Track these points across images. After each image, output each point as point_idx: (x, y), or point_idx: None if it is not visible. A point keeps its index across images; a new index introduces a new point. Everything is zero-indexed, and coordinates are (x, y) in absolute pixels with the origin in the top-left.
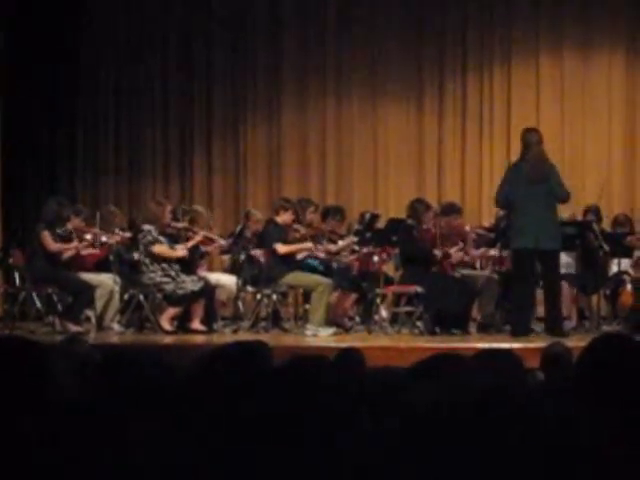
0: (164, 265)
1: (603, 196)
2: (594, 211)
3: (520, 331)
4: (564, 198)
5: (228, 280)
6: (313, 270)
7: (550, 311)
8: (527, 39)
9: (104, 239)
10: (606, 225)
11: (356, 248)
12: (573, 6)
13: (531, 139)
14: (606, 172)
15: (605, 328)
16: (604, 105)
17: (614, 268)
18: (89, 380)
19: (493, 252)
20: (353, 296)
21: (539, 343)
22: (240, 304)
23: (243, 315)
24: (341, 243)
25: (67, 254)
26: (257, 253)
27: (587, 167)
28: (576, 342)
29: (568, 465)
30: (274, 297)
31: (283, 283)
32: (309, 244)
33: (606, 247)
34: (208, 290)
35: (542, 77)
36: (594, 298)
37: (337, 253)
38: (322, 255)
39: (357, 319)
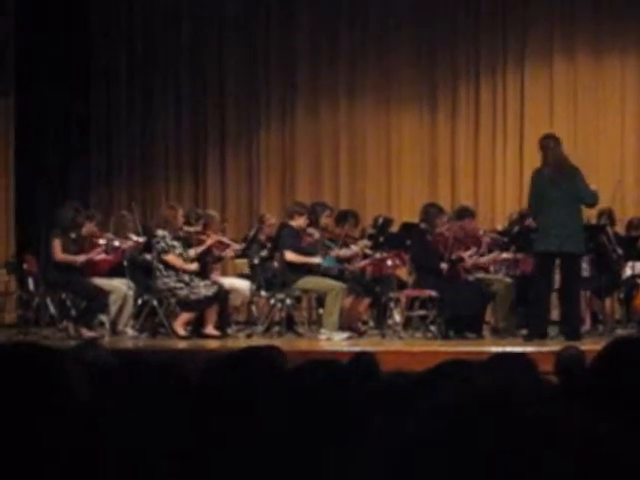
0: (177, 270)
1: (617, 199)
2: (607, 214)
3: (537, 334)
4: (592, 201)
5: (242, 285)
6: (329, 271)
7: (569, 314)
8: (540, 42)
9: (117, 244)
10: (620, 228)
11: (369, 252)
12: (585, 8)
13: (548, 143)
14: (620, 174)
15: (619, 332)
16: (617, 107)
17: (628, 271)
18: (103, 385)
19: (506, 256)
20: (366, 300)
21: (553, 347)
22: (254, 309)
23: (257, 320)
24: (354, 248)
25: (79, 261)
26: (270, 260)
27: (601, 170)
28: (590, 346)
29: (585, 474)
30: (288, 301)
31: (296, 287)
32: (317, 259)
33: (620, 250)
34: (221, 295)
35: (555, 80)
36: (608, 302)
37: (350, 259)
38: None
39: (371, 323)
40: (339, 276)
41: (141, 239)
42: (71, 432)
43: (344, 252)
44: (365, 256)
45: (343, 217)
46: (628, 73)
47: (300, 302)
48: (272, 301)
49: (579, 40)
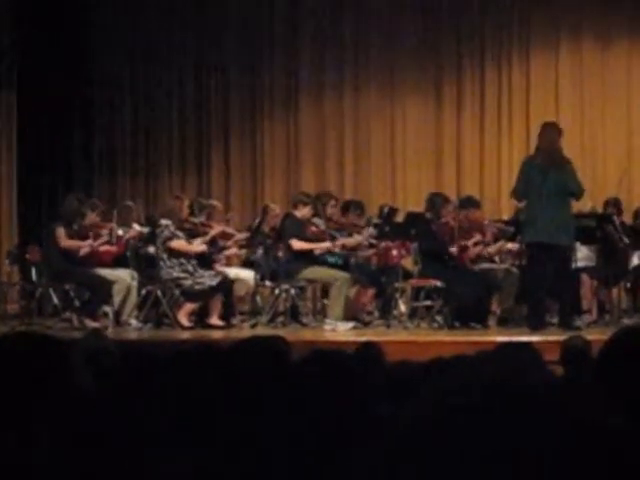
0: (182, 260)
1: (623, 187)
2: (614, 203)
3: (535, 325)
4: (577, 193)
5: (246, 275)
6: (331, 265)
7: (562, 305)
8: (545, 29)
9: (120, 233)
10: (627, 217)
11: (374, 242)
12: None
13: (546, 130)
14: (626, 163)
15: (625, 321)
16: (623, 94)
17: (635, 261)
18: (108, 376)
19: (512, 246)
20: (371, 291)
21: (559, 336)
22: (258, 299)
23: (261, 310)
24: (358, 237)
25: (82, 251)
26: (274, 250)
27: (607, 159)
28: (596, 335)
29: (593, 466)
30: (292, 292)
31: (301, 278)
32: (326, 244)
33: (626, 240)
34: (226, 285)
35: (561, 67)
36: (614, 291)
37: (354, 248)
38: (338, 250)
39: (376, 313)
40: (344, 266)
41: (145, 229)
42: (73, 420)
43: (349, 242)
44: (370, 245)
45: (348, 207)
46: (635, 60)
47: (305, 292)
48: (277, 291)
49: (585, 27)
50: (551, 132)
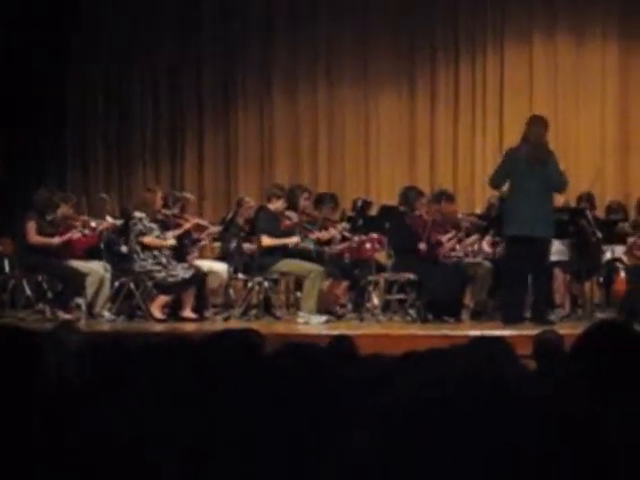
0: (155, 253)
1: (597, 182)
2: (587, 198)
3: (511, 318)
4: (561, 187)
5: (219, 267)
6: (306, 253)
7: (536, 299)
8: (520, 23)
9: (93, 224)
10: (600, 212)
11: (347, 235)
12: None
13: (533, 122)
14: (599, 158)
15: (598, 315)
16: (597, 91)
17: (607, 255)
18: (81, 367)
19: (486, 240)
20: (345, 284)
21: (531, 330)
22: (231, 291)
23: (234, 303)
24: (332, 231)
25: (53, 244)
26: (248, 243)
27: (580, 154)
28: (569, 330)
29: (566, 460)
30: (265, 284)
31: (274, 270)
32: (295, 238)
33: (599, 234)
34: (199, 278)
35: (535, 62)
36: (587, 285)
37: (328, 242)
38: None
39: (349, 307)
40: (317, 259)
41: (118, 221)
42: (49, 413)
43: (322, 235)
44: (344, 238)
45: (322, 200)
46: (609, 56)
47: (278, 285)
48: (249, 284)
49: (559, 22)
50: (538, 126)
